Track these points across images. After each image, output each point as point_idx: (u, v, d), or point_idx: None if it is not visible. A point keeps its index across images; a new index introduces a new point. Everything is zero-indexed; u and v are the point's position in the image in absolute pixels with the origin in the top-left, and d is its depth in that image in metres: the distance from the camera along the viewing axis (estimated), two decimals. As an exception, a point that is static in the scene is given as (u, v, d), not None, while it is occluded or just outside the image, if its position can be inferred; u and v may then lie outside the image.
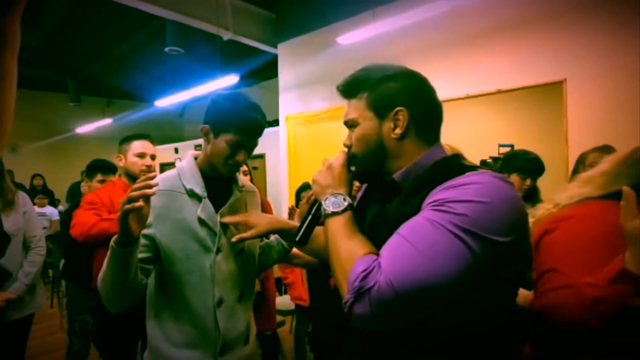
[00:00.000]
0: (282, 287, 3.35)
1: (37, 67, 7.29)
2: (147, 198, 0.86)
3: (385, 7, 3.90)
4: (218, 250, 1.09)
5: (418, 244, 0.61)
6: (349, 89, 0.82)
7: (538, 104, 3.99)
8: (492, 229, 0.61)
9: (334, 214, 0.74)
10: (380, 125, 0.77)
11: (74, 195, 6.51)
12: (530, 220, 0.94)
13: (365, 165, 0.81)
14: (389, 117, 0.76)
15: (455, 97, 3.68)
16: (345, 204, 0.75)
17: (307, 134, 4.83)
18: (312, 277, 2.33)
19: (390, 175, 0.78)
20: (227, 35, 4.73)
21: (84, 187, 2.47)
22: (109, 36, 6.16)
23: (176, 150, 8.25)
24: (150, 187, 0.85)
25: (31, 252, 2.02)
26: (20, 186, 6.00)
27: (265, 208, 2.36)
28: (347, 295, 0.63)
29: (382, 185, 0.82)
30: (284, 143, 5.13)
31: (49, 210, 5.16)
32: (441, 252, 0.60)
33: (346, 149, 0.83)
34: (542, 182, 2.07)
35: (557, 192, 0.97)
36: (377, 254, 0.65)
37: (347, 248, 0.68)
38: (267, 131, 5.86)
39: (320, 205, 0.79)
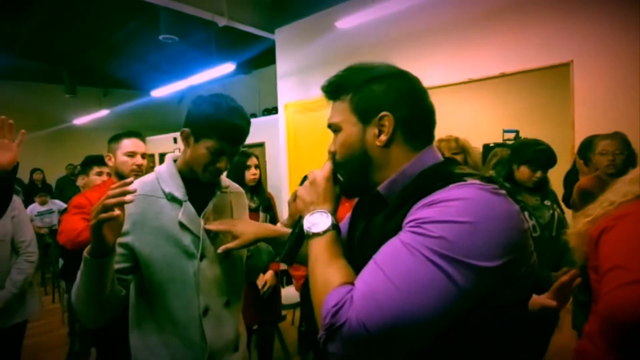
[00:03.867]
0: (284, 278, 3.33)
1: (30, 58, 7.18)
2: (122, 205, 0.81)
3: (385, -11, 3.77)
4: (202, 256, 1.04)
5: (392, 273, 0.55)
6: (332, 90, 0.76)
7: (543, 87, 3.89)
8: (477, 253, 0.54)
9: (315, 235, 0.69)
10: (364, 132, 0.71)
11: (62, 190, 6.46)
12: (585, 219, 0.98)
13: (351, 177, 0.74)
14: (374, 122, 0.70)
15: (458, 82, 3.58)
16: (328, 223, 0.69)
17: (306, 122, 4.75)
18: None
19: (376, 187, 0.72)
20: (222, 22, 4.60)
21: (80, 182, 2.43)
22: (102, 24, 6.02)
23: (175, 140, 8.17)
24: (127, 193, 0.80)
25: (19, 258, 1.94)
26: (18, 181, 5.97)
27: (272, 202, 2.39)
28: (320, 332, 0.59)
29: (370, 199, 0.76)
30: (283, 131, 5.06)
31: (56, 205, 4.93)
32: (417, 284, 0.53)
33: (331, 158, 0.77)
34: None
35: (608, 192, 1.02)
36: (353, 284, 0.60)
37: (323, 277, 0.64)
38: (266, 119, 5.75)
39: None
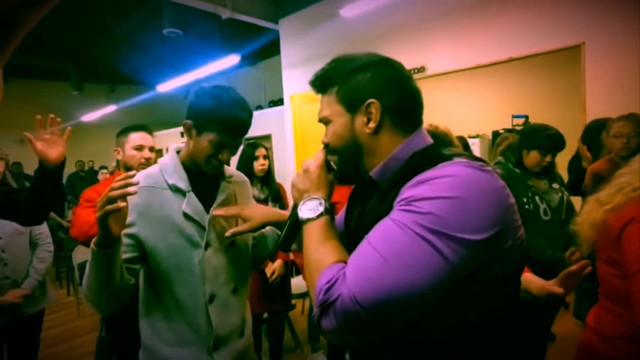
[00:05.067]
0: (293, 268, 3.35)
1: (36, 55, 7.22)
2: (126, 197, 0.84)
3: (389, -25, 3.71)
4: (207, 246, 1.06)
5: (383, 250, 0.57)
6: (319, 84, 0.78)
7: (553, 71, 3.82)
8: (465, 227, 0.55)
9: (309, 220, 0.71)
10: (353, 121, 0.73)
11: (72, 186, 6.54)
12: (604, 207, 0.88)
13: (344, 165, 0.77)
14: (361, 111, 0.72)
15: (465, 68, 3.52)
16: (321, 208, 0.72)
17: (313, 113, 4.67)
18: None
19: (369, 173, 0.74)
20: (225, 14, 4.58)
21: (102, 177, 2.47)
22: (106, 19, 6.03)
23: (182, 135, 8.20)
24: (130, 185, 0.83)
25: (39, 248, 2.07)
26: (30, 178, 6.07)
27: (281, 192, 2.40)
28: (315, 308, 0.60)
29: (364, 185, 0.78)
30: (289, 123, 5.04)
31: None
32: (408, 259, 0.55)
33: (324, 148, 0.79)
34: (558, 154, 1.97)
35: (624, 175, 0.91)
36: (346, 262, 0.62)
37: (316, 257, 0.66)
38: (273, 111, 5.73)
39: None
